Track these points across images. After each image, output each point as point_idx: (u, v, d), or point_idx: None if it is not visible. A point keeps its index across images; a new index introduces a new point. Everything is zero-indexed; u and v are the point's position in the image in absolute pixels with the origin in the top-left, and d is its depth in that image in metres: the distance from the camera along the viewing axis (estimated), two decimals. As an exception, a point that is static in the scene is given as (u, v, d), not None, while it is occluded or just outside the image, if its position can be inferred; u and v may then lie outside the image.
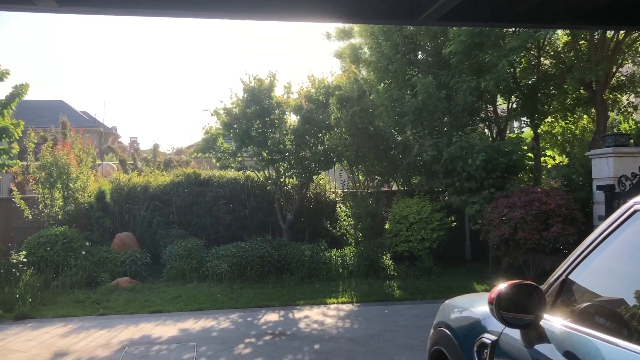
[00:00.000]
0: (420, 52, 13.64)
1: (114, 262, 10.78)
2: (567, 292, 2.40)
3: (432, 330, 3.74)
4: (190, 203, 12.83)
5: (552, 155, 16.48)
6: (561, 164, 16.59)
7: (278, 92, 12.01)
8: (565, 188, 11.36)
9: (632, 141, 11.72)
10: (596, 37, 11.76)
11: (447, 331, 3.34)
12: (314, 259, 10.96)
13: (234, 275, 10.69)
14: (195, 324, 8.16)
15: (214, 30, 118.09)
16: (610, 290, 2.28)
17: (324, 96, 11.94)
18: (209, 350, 6.74)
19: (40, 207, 12.03)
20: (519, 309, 2.36)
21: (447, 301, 3.84)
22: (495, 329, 2.77)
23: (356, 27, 18.51)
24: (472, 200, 11.03)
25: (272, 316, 8.57)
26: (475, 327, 3.00)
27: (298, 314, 8.65)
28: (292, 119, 12.32)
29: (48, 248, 10.48)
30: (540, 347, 2.32)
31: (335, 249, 11.83)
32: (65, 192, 12.06)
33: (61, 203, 12.07)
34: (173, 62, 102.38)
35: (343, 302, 9.41)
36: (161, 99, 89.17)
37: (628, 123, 15.66)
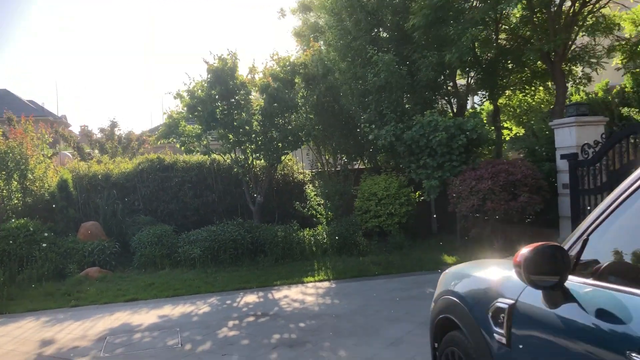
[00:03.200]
0: (382, 28, 13.62)
1: (81, 253, 10.47)
2: (589, 252, 2.45)
3: (434, 300, 3.78)
4: (155, 189, 12.56)
5: (510, 127, 16.89)
6: (518, 135, 17.05)
7: (241, 72, 11.82)
8: (529, 158, 11.64)
9: (587, 111, 12.08)
10: (553, 9, 12.01)
11: (454, 299, 3.37)
12: (288, 239, 10.93)
13: (207, 260, 10.57)
14: (173, 310, 8.04)
15: (167, 12, 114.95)
16: (633, 247, 2.33)
17: (289, 74, 11.81)
18: (193, 335, 6.65)
19: (-3, 199, 11.57)
20: (543, 271, 2.40)
21: (447, 270, 3.88)
22: (510, 294, 2.81)
23: (317, 3, 18.36)
24: (434, 176, 11.19)
25: (251, 298, 8.52)
26: (488, 293, 3.04)
27: (277, 294, 8.64)
28: (258, 98, 12.14)
29: (10, 241, 10.08)
30: (567, 307, 2.36)
31: (307, 229, 11.82)
32: (24, 183, 11.60)
33: (20, 195, 11.62)
34: (125, 46, 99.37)
35: (320, 280, 9.45)
36: (115, 84, 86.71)
37: (579, 94, 16.18)
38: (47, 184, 11.99)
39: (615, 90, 16.47)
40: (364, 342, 5.99)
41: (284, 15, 22.49)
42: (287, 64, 11.86)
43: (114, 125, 17.34)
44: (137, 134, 17.92)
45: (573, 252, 2.50)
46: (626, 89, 15.99)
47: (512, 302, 2.76)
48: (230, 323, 7.12)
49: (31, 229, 10.43)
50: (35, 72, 79.88)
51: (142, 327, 7.16)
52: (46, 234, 10.55)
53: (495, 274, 3.19)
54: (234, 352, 5.89)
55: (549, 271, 2.39)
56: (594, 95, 16.40)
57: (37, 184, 11.88)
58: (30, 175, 11.66)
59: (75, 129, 38.88)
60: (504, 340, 2.78)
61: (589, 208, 9.49)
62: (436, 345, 3.82)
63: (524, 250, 2.45)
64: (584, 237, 2.47)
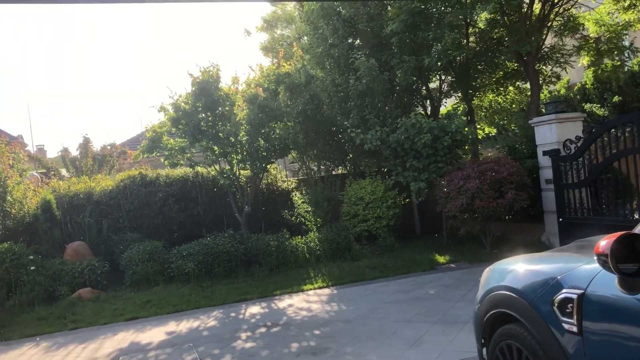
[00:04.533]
0: (358, 35, 13.79)
1: (71, 274, 10.18)
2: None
3: (480, 299, 3.87)
4: (139, 205, 12.36)
5: (482, 127, 17.34)
6: (490, 134, 17.52)
7: (224, 83, 11.80)
8: (510, 156, 11.98)
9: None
10: (523, 11, 12.43)
11: (510, 293, 3.47)
12: (281, 248, 10.90)
13: (201, 274, 10.44)
14: (178, 326, 7.93)
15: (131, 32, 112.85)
16: None
17: (273, 84, 11.86)
18: (209, 349, 6.59)
19: (-25, 224, 11.16)
20: (626, 259, 2.53)
21: (491, 267, 3.99)
22: (578, 283, 2.94)
23: (284, 16, 18.51)
24: (420, 178, 11.41)
25: (254, 309, 8.48)
26: (550, 285, 3.14)
27: (281, 304, 8.62)
28: (243, 109, 12.11)
29: (-3, 267, 9.74)
30: (649, 291, 2.50)
31: (298, 237, 11.83)
32: (3, 206, 11.25)
33: (-1, 218, 11.28)
34: (85, 61, 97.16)
35: (320, 287, 9.47)
36: (80, 98, 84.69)
37: (542, 92, 16.76)
38: (27, 206, 11.66)
39: (576, 87, 17.14)
40: (384, 345, 6.06)
41: (249, 34, 23.01)
42: (272, 73, 11.89)
43: (87, 141, 16.94)
44: (109, 147, 17.51)
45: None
46: (587, 86, 16.67)
47: (580, 291, 2.89)
48: (243, 335, 7.08)
49: (17, 253, 10.10)
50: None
51: (153, 345, 7.05)
52: (32, 257, 10.24)
53: (552, 266, 3.31)
54: (258, 363, 5.88)
55: (631, 258, 2.53)
56: (556, 92, 17.03)
57: (16, 206, 11.54)
58: (9, 198, 11.32)
59: (30, 149, 37.74)
60: (574, 329, 2.89)
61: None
62: (482, 341, 3.94)
63: (606, 241, 2.58)
64: (657, 225, 2.62)
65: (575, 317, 2.89)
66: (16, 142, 19.02)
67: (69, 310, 9.23)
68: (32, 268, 9.95)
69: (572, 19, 13.23)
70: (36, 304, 9.53)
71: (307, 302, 8.59)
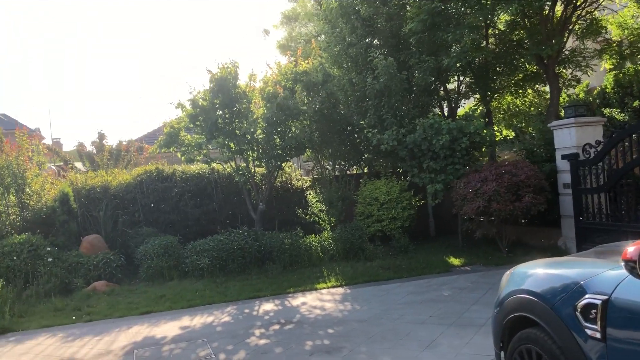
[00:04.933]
0: (376, 35, 13.72)
1: (86, 267, 10.28)
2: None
3: (500, 302, 3.83)
4: (155, 200, 12.43)
5: (500, 130, 17.19)
6: (508, 137, 17.38)
7: (242, 80, 11.84)
8: (528, 159, 11.86)
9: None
10: (545, 12, 12.30)
11: (531, 297, 3.44)
12: (295, 246, 10.91)
13: (216, 269, 10.48)
14: (192, 321, 7.96)
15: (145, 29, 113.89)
16: None
17: (291, 82, 11.86)
18: (222, 345, 6.61)
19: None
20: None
21: (512, 271, 3.95)
22: (602, 289, 2.90)
23: (303, 13, 18.50)
24: (437, 180, 11.34)
25: (268, 306, 8.49)
26: (573, 289, 3.10)
27: (294, 302, 8.62)
28: (260, 106, 12.13)
29: (15, 257, 9.85)
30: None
31: (312, 235, 11.81)
32: (22, 198, 11.38)
33: (17, 209, 11.39)
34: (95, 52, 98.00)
35: (333, 286, 9.46)
36: (94, 92, 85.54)
37: (561, 96, 16.58)
38: (45, 198, 11.77)
39: (596, 91, 16.93)
40: (399, 346, 6.03)
41: (268, 34, 23.07)
42: (289, 72, 11.90)
43: (102, 137, 17.06)
44: (125, 143, 17.61)
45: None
46: (607, 90, 16.47)
47: (605, 297, 2.84)
48: (257, 332, 7.09)
49: (35, 244, 10.22)
50: (4, 83, 78.41)
51: (168, 339, 7.08)
52: (49, 249, 10.35)
53: (575, 271, 3.27)
54: (272, 361, 5.88)
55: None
56: (574, 96, 16.85)
57: (34, 198, 11.67)
58: (28, 190, 11.45)
59: (48, 141, 38.17)
60: (598, 335, 2.86)
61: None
62: (501, 344, 3.90)
63: (634, 247, 2.54)
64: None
65: (599, 323, 2.85)
66: (35, 134, 19.26)
67: (85, 303, 9.32)
68: (50, 260, 10.06)
69: (594, 22, 13.08)
70: (52, 295, 9.63)
71: (320, 300, 8.58)
